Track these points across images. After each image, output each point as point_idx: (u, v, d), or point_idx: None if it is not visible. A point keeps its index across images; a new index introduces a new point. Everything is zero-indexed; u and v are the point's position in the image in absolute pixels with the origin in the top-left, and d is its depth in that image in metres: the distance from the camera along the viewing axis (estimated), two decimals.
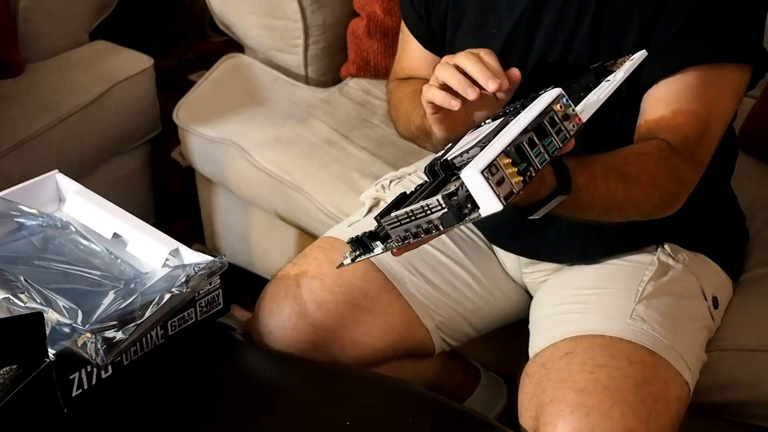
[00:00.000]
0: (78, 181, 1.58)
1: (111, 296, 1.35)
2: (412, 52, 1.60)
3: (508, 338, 1.67)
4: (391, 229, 1.15)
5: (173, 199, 2.62)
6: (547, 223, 1.49)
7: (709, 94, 1.35)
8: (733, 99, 1.37)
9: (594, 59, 1.36)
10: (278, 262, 2.11)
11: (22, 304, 1.29)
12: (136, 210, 1.57)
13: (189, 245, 1.46)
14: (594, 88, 1.26)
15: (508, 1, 1.41)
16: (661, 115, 1.35)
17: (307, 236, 2.08)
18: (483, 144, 1.15)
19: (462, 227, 1.60)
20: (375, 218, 1.18)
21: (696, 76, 1.34)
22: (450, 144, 1.27)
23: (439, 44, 1.54)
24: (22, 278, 1.32)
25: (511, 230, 1.54)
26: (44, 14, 2.28)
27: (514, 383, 1.48)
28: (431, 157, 1.70)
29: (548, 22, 1.39)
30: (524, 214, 1.22)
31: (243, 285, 2.14)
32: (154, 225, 1.50)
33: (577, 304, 1.45)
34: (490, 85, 1.22)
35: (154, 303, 1.31)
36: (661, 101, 1.35)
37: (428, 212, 1.10)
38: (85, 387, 1.29)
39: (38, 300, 1.30)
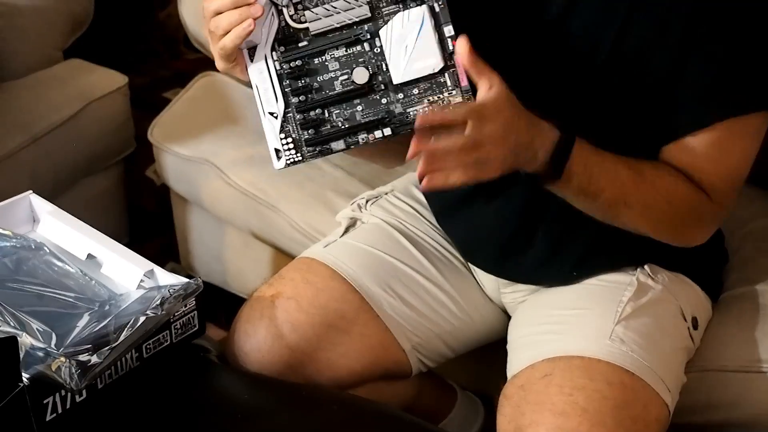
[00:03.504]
0: (51, 201, 1.56)
1: (85, 318, 1.34)
2: None
3: (484, 357, 1.66)
4: None
5: (147, 218, 2.60)
6: (527, 247, 1.49)
7: (736, 143, 1.36)
8: (757, 142, 1.38)
9: (611, 91, 1.36)
10: (253, 280, 2.11)
11: None
12: (110, 229, 1.56)
13: (163, 264, 1.45)
14: None
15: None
16: (688, 164, 1.36)
17: (282, 255, 2.07)
18: None
19: (440, 248, 1.60)
20: None
21: (725, 129, 1.34)
22: None
23: None
24: None
25: (491, 253, 1.54)
26: (18, 33, 2.27)
27: (491, 403, 1.47)
28: (407, 176, 1.71)
29: (569, 48, 1.37)
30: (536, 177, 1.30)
31: (217, 303, 2.13)
32: (128, 244, 1.49)
33: (555, 325, 1.45)
34: None
35: (128, 326, 1.29)
36: (688, 151, 1.36)
37: None
38: (59, 411, 1.28)
39: (12, 323, 1.28)
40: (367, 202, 1.67)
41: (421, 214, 1.64)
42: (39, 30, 2.31)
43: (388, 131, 1.27)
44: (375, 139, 1.27)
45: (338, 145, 1.28)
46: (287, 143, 1.28)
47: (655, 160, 1.39)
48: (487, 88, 1.23)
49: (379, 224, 1.62)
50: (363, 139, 1.27)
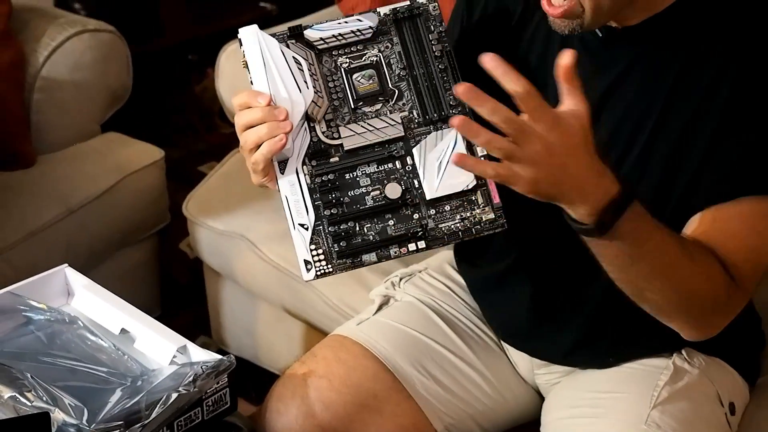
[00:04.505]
0: (85, 273, 1.57)
1: (118, 394, 1.34)
2: None
3: None
4: None
5: (180, 290, 2.60)
6: (563, 329, 1.47)
7: (762, 224, 1.31)
8: None
9: (641, 184, 1.34)
10: (284, 355, 2.10)
11: (29, 403, 1.27)
12: (143, 300, 1.56)
13: (194, 337, 1.45)
14: None
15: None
16: (713, 238, 1.31)
17: (314, 331, 2.07)
18: None
19: (473, 327, 1.59)
20: None
21: (750, 206, 1.30)
22: None
23: None
24: (29, 375, 1.31)
25: (526, 332, 1.53)
26: (57, 107, 2.30)
27: None
28: (441, 254, 1.71)
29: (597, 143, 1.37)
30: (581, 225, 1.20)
31: (248, 378, 2.12)
32: (160, 316, 1.49)
33: (590, 408, 1.43)
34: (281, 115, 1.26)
35: (160, 402, 1.29)
36: (713, 225, 1.31)
37: None
38: None
39: (44, 398, 1.28)
40: (401, 279, 1.67)
41: (455, 293, 1.63)
42: (78, 104, 2.35)
43: (422, 244, 1.28)
44: (408, 252, 1.28)
45: (370, 257, 1.29)
46: (318, 255, 1.28)
47: None
48: (574, 105, 1.16)
49: (412, 302, 1.62)
50: (395, 253, 1.28)
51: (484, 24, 1.46)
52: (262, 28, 1.31)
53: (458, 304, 1.62)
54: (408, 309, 1.61)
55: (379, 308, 1.62)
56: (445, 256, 1.71)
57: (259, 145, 1.27)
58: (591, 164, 1.16)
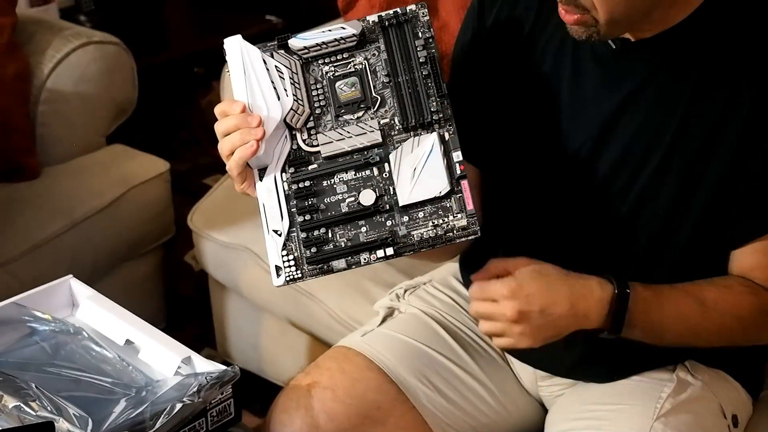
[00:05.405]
0: (90, 285, 1.57)
1: (122, 404, 1.34)
2: None
3: None
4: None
5: (185, 303, 2.61)
6: (568, 343, 1.47)
7: None
8: None
9: (657, 200, 1.37)
10: (289, 368, 2.10)
11: (33, 413, 1.27)
12: (148, 314, 1.57)
13: (199, 350, 1.45)
14: None
15: (573, 125, 1.41)
16: (755, 262, 1.37)
17: (319, 343, 2.07)
18: None
19: (477, 339, 1.59)
20: None
21: None
22: None
23: None
24: (33, 385, 1.31)
25: None
26: (62, 119, 2.31)
27: None
28: (446, 267, 1.71)
29: (610, 157, 1.38)
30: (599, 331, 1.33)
31: (253, 390, 2.12)
32: (165, 329, 1.49)
33: (593, 420, 1.43)
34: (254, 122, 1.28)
35: (165, 413, 1.29)
36: (753, 254, 1.37)
37: None
38: None
39: (49, 408, 1.28)
40: (405, 291, 1.67)
41: (459, 305, 1.63)
42: (83, 116, 2.35)
43: (390, 251, 1.28)
44: (377, 259, 1.28)
45: (339, 264, 1.29)
46: (288, 261, 1.29)
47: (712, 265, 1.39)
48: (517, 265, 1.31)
49: (416, 314, 1.62)
50: (365, 260, 1.29)
51: (494, 32, 1.46)
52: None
53: (462, 316, 1.62)
54: (412, 321, 1.61)
55: (384, 320, 1.63)
56: (449, 268, 1.71)
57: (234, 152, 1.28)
58: (569, 294, 1.30)
